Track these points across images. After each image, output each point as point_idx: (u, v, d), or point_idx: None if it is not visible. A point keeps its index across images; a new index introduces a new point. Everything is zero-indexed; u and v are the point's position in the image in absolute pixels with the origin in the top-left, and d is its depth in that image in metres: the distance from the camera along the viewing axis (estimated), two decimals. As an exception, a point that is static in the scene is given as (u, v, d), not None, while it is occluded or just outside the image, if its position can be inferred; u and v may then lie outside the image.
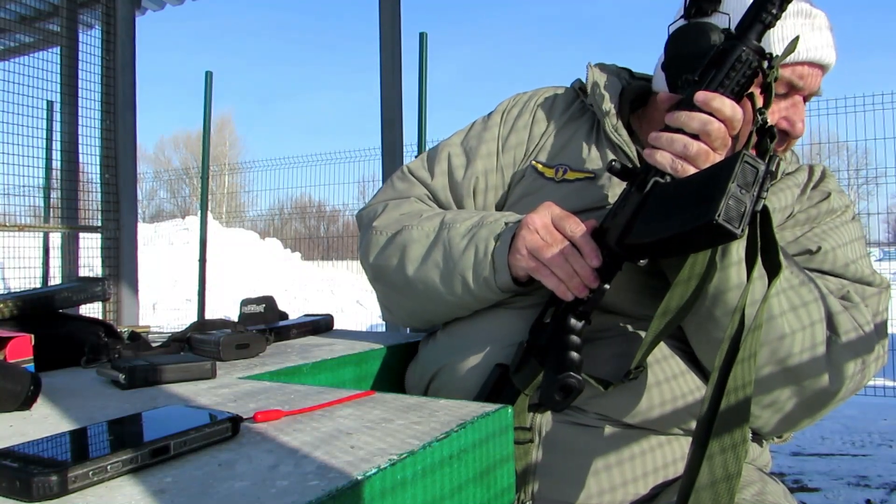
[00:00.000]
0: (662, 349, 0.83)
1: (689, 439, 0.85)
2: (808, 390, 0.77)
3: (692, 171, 0.74)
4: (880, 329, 0.82)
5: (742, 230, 0.63)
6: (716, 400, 0.64)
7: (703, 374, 0.84)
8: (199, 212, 4.96)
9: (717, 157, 0.74)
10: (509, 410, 0.58)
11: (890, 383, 4.30)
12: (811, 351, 0.75)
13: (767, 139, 0.72)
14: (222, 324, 1.00)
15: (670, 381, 0.83)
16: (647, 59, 1.07)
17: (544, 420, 0.84)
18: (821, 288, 0.80)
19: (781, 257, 0.69)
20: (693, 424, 0.83)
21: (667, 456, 0.84)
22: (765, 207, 0.68)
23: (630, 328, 0.86)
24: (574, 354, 0.76)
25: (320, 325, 1.17)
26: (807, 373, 0.75)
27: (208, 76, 4.66)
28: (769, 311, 0.74)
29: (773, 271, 0.69)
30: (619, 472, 0.81)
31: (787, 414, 0.79)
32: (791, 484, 2.56)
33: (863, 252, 0.91)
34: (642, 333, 0.84)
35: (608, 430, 0.83)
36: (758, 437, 0.91)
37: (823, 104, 4.88)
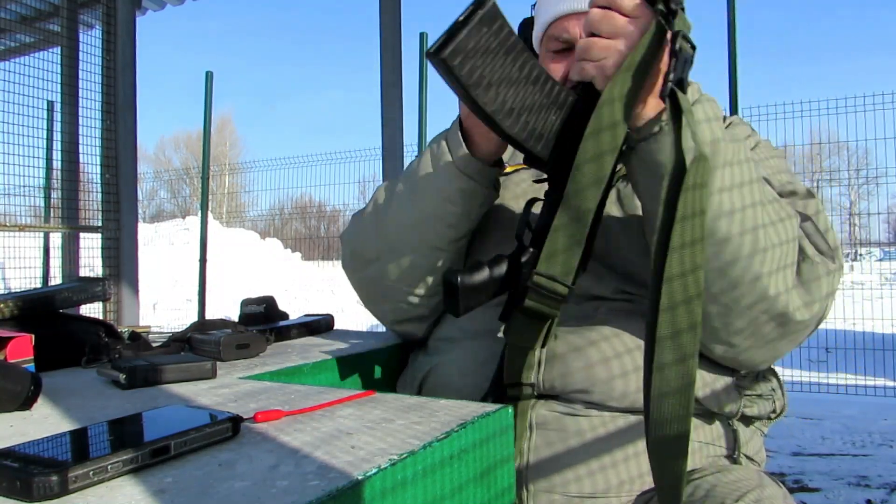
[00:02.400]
0: (636, 340, 0.83)
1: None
2: (782, 311, 0.76)
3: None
4: (833, 243, 0.83)
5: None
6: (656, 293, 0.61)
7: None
8: (200, 212, 4.96)
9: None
10: (509, 410, 0.58)
11: (890, 383, 4.30)
12: (783, 271, 0.75)
13: None
14: (222, 324, 1.00)
15: (633, 352, 0.83)
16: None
17: (535, 413, 0.85)
18: (788, 209, 0.79)
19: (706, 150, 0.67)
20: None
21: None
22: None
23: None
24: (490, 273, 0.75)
25: (321, 325, 1.17)
26: (780, 292, 0.75)
27: (208, 76, 4.66)
28: (742, 222, 0.73)
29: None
30: (616, 459, 0.82)
31: (764, 337, 0.78)
32: (791, 484, 2.56)
33: (784, 167, 0.92)
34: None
35: (600, 417, 0.83)
36: (748, 422, 0.91)
37: (824, 104, 4.88)
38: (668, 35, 0.67)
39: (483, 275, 0.75)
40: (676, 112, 0.65)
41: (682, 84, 0.67)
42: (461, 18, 0.67)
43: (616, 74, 0.68)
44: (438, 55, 0.66)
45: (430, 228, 0.89)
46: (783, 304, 0.75)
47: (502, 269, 0.75)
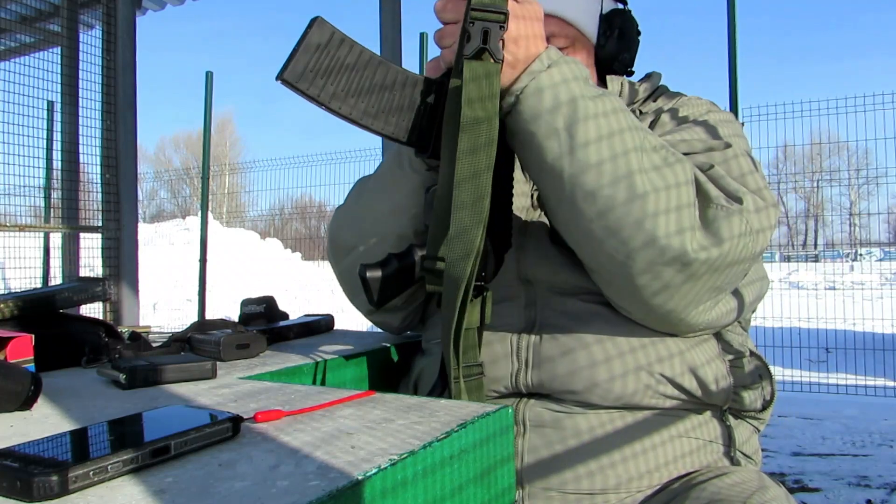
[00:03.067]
0: (629, 342, 0.84)
1: (692, 431, 0.86)
2: (678, 252, 0.75)
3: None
4: (755, 185, 0.84)
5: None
6: None
7: (645, 331, 0.85)
8: (200, 212, 4.96)
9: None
10: (510, 410, 0.58)
11: (890, 383, 4.30)
12: (674, 213, 0.75)
13: None
14: (223, 324, 1.00)
15: (624, 356, 0.84)
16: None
17: (528, 412, 0.85)
18: (678, 155, 0.80)
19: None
20: (665, 402, 0.84)
21: (672, 451, 0.84)
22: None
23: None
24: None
25: (321, 325, 1.17)
26: (670, 233, 0.75)
27: (209, 76, 4.67)
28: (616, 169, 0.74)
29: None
30: (614, 458, 0.82)
31: (669, 282, 0.77)
32: (792, 484, 2.56)
33: (733, 132, 0.92)
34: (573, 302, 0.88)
35: (588, 416, 0.83)
36: (740, 417, 0.91)
37: (824, 104, 4.88)
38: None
39: (392, 267, 0.78)
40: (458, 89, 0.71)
41: (486, 53, 0.71)
42: (297, 41, 0.73)
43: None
44: (281, 79, 0.72)
45: (395, 220, 0.92)
46: (678, 245, 0.75)
47: (410, 259, 0.78)
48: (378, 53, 0.76)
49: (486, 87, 0.70)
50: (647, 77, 1.05)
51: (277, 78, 0.72)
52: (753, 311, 0.97)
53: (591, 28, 1.01)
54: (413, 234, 0.91)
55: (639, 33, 1.06)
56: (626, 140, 0.74)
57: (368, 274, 0.78)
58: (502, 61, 0.72)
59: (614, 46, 1.02)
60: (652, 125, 0.96)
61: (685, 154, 0.85)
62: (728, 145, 0.87)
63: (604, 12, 1.03)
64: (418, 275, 0.77)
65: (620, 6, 1.06)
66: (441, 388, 0.81)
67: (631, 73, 1.07)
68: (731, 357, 0.90)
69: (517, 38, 0.73)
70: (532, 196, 0.96)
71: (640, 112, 1.00)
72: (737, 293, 0.89)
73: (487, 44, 0.70)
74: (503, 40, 0.71)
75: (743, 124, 3.54)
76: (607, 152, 0.73)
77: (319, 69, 0.73)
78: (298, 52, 0.72)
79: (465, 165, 0.69)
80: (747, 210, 0.79)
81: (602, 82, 1.03)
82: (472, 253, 0.68)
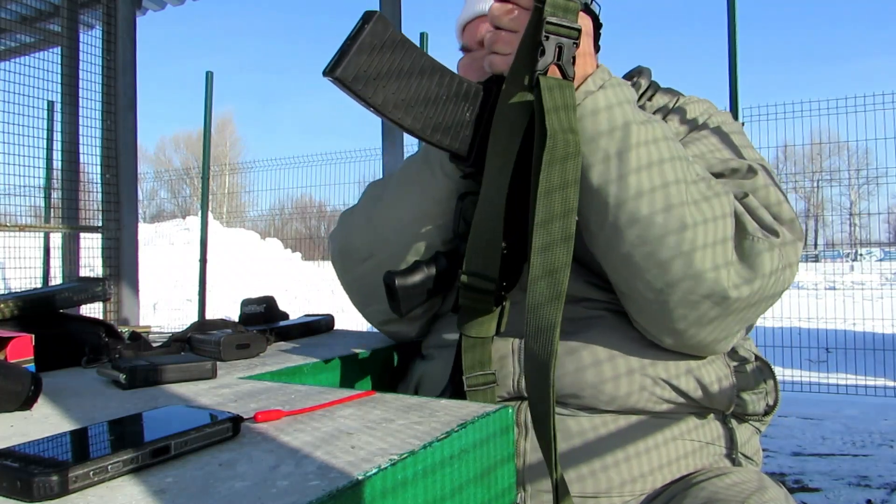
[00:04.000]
0: (624, 344, 0.84)
1: (691, 432, 0.86)
2: (715, 288, 0.75)
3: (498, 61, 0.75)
4: (787, 215, 0.82)
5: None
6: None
7: (644, 337, 0.84)
8: (200, 212, 4.97)
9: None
10: (510, 410, 0.58)
11: (891, 383, 4.30)
12: (713, 248, 0.74)
13: None
14: (223, 324, 1.00)
15: (626, 361, 0.83)
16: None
17: (529, 413, 0.85)
18: (723, 186, 0.79)
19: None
20: (666, 405, 0.84)
21: (672, 452, 0.84)
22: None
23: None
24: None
25: (321, 325, 1.17)
26: (707, 269, 0.74)
27: (209, 76, 4.67)
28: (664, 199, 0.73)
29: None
30: (618, 458, 0.82)
31: (703, 316, 0.77)
32: (792, 484, 2.56)
33: (742, 143, 0.91)
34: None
35: (592, 418, 0.83)
36: (741, 419, 0.91)
37: (824, 104, 4.88)
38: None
39: (419, 275, 0.78)
40: (539, 100, 0.69)
41: (562, 71, 0.70)
42: (351, 34, 0.69)
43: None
44: (333, 76, 0.68)
45: (420, 228, 0.89)
46: (715, 281, 0.74)
47: (438, 267, 0.77)
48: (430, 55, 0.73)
49: (562, 99, 0.69)
50: (639, 73, 1.04)
51: (326, 74, 0.68)
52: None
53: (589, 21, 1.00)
54: (441, 244, 0.89)
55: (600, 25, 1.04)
56: (675, 169, 0.74)
57: (398, 282, 0.76)
58: (573, 79, 0.70)
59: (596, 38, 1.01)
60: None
61: (726, 176, 0.85)
62: (754, 171, 0.86)
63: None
64: (452, 288, 0.76)
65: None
66: (451, 393, 0.81)
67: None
68: (735, 363, 0.89)
69: (581, 55, 0.72)
70: None
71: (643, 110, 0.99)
72: None
73: (561, 60, 0.69)
74: (574, 57, 0.70)
75: (743, 124, 3.55)
76: (657, 181, 0.73)
77: (377, 72, 0.69)
78: (353, 49, 0.68)
79: (553, 177, 0.66)
80: (783, 243, 0.78)
81: None
82: (561, 295, 0.64)
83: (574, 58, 0.70)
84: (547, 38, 0.68)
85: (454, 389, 0.82)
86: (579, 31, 0.69)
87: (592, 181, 0.74)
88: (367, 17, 0.70)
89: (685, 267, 0.74)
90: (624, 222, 0.74)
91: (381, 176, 3.50)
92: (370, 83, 0.69)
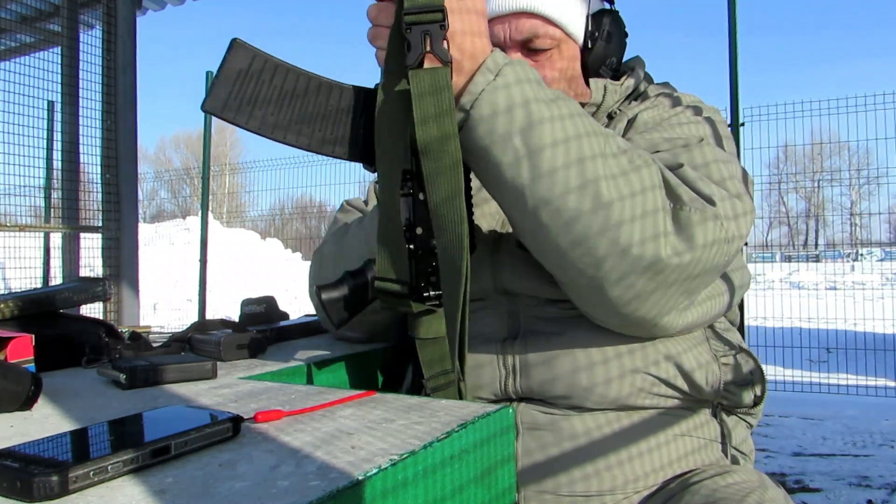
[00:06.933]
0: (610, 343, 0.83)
1: (690, 432, 0.86)
2: (650, 259, 0.72)
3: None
4: (734, 190, 0.80)
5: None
6: None
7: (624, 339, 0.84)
8: (200, 212, 4.97)
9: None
10: (510, 411, 0.58)
11: (891, 383, 4.30)
12: (642, 220, 0.72)
13: None
14: (223, 324, 1.00)
15: (608, 357, 0.83)
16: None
17: (520, 413, 0.85)
18: (654, 159, 0.77)
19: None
20: (657, 400, 0.84)
21: (675, 450, 0.84)
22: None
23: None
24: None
25: (321, 325, 1.17)
26: (634, 242, 0.71)
27: (209, 76, 4.66)
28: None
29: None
30: (610, 461, 0.82)
31: (642, 290, 0.75)
32: (792, 484, 2.56)
33: (725, 134, 0.90)
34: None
35: (593, 418, 0.83)
36: (733, 413, 0.91)
37: (825, 104, 4.88)
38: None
39: (345, 287, 0.77)
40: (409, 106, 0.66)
41: (439, 58, 0.66)
42: (219, 67, 0.70)
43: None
44: (202, 108, 0.70)
45: (369, 249, 0.88)
46: (651, 252, 0.72)
47: (363, 278, 0.77)
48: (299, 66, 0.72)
49: (438, 104, 0.65)
50: (631, 69, 1.01)
51: (201, 107, 0.70)
52: (738, 302, 0.95)
53: (577, 29, 0.94)
54: None
55: (626, 35, 1.00)
56: (587, 145, 0.70)
57: (324, 296, 0.76)
58: (451, 62, 0.66)
59: (602, 49, 0.96)
60: (629, 125, 0.92)
61: (663, 151, 0.83)
62: (701, 143, 0.84)
63: (591, 12, 0.96)
64: (372, 297, 0.75)
65: (608, 6, 1.00)
66: (416, 393, 0.80)
67: (617, 77, 1.00)
68: (718, 351, 0.89)
69: (459, 34, 0.68)
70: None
71: (619, 111, 0.97)
72: (726, 278, 0.87)
73: (432, 48, 0.66)
74: (447, 39, 0.66)
75: (743, 124, 3.55)
76: (565, 158, 0.69)
77: (250, 97, 0.70)
78: (218, 80, 0.69)
79: (440, 189, 0.65)
80: (725, 216, 0.76)
81: (588, 86, 0.98)
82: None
83: (446, 40, 0.66)
84: (409, 29, 0.65)
85: (416, 387, 0.82)
86: (441, 10, 0.65)
87: (502, 168, 0.70)
88: (229, 45, 0.70)
89: (611, 244, 0.71)
90: (542, 208, 0.70)
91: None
92: (242, 110, 0.70)
